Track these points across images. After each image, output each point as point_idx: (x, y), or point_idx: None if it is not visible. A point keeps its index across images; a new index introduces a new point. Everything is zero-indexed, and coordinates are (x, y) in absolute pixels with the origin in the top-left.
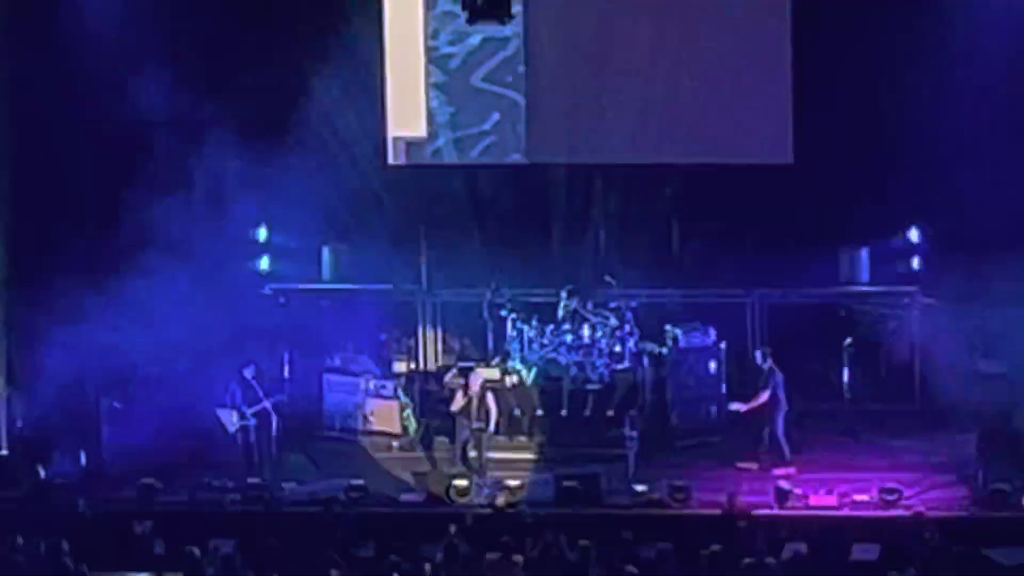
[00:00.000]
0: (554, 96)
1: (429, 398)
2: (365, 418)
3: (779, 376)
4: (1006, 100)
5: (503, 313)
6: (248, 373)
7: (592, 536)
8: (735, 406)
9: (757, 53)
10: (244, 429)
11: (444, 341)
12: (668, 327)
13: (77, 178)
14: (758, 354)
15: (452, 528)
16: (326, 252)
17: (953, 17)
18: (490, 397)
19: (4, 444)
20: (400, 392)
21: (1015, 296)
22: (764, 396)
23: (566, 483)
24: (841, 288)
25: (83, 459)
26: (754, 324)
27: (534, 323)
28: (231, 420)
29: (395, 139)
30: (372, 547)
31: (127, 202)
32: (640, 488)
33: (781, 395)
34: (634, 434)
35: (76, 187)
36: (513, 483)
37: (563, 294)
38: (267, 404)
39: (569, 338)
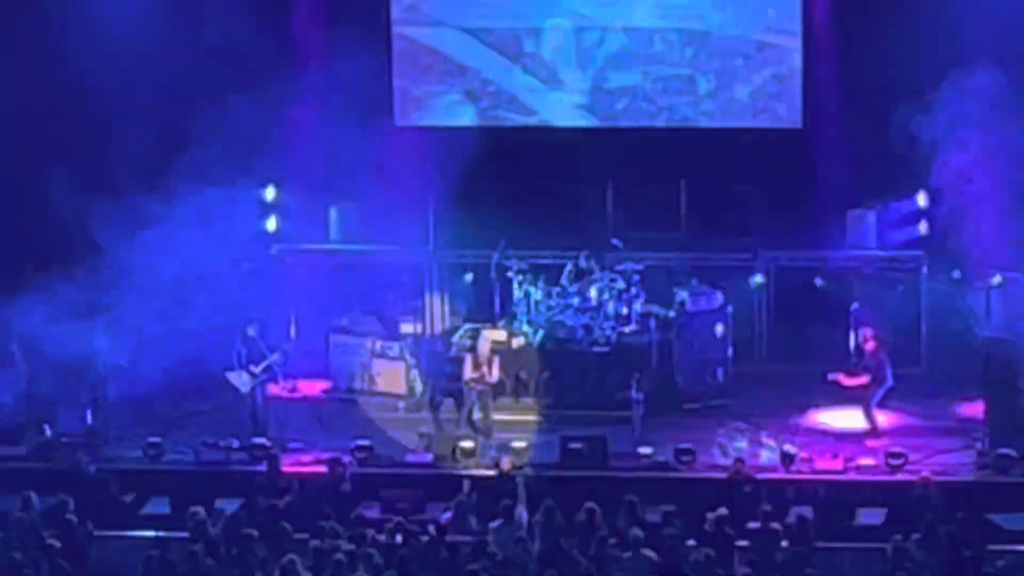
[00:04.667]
0: None
1: (435, 359)
2: (371, 379)
3: (884, 353)
4: (1014, 64)
5: (510, 275)
6: (252, 331)
7: (597, 499)
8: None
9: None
10: (252, 388)
11: (450, 303)
12: (675, 290)
13: (83, 132)
14: (860, 335)
15: (466, 486)
16: (333, 212)
17: None
18: (496, 361)
19: (11, 402)
20: (406, 353)
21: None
22: (865, 378)
23: (571, 445)
24: (848, 252)
25: (88, 418)
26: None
27: (541, 285)
28: (242, 381)
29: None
30: (377, 508)
31: (133, 159)
32: (645, 451)
33: (887, 371)
34: (640, 397)
35: (81, 140)
36: (518, 445)
37: (581, 259)
38: (272, 360)
39: (576, 300)
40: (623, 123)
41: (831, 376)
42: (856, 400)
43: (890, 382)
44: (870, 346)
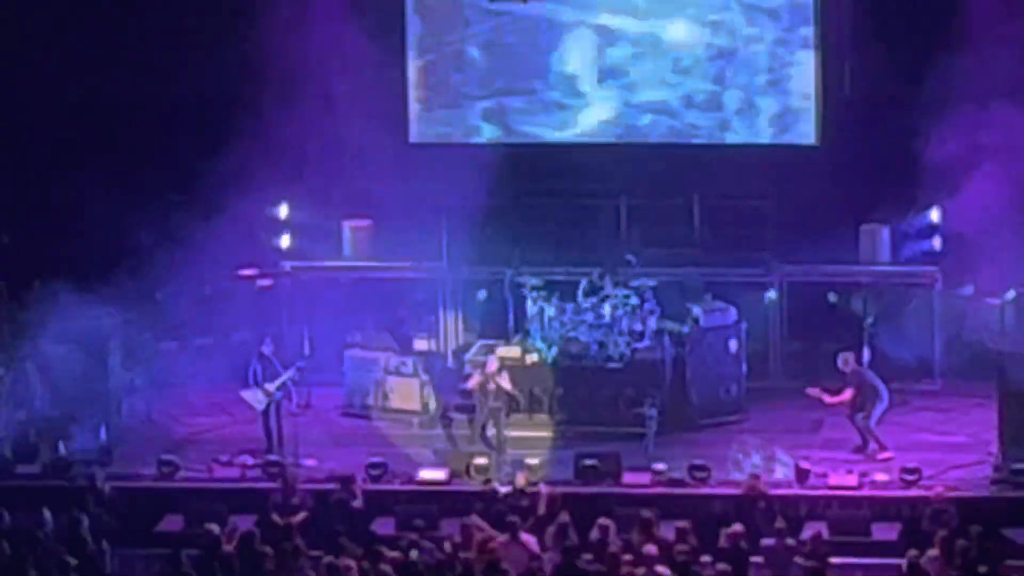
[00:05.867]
0: None
1: (449, 376)
2: (385, 395)
3: (868, 374)
4: None
5: (523, 291)
6: (266, 349)
7: (611, 515)
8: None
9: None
10: (267, 406)
11: (464, 319)
12: (689, 306)
13: (104, 145)
14: (840, 359)
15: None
16: (347, 228)
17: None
18: (504, 377)
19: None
20: (420, 369)
21: None
22: (847, 394)
23: (586, 462)
24: (862, 267)
25: (103, 435)
26: (775, 303)
27: (555, 301)
28: (257, 399)
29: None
30: (391, 524)
31: (149, 175)
32: (660, 467)
33: (878, 388)
34: (654, 413)
35: (97, 152)
36: (532, 461)
37: (595, 275)
38: (287, 377)
39: (590, 316)
40: (645, 139)
41: (811, 391)
42: (851, 417)
43: (885, 401)
44: (848, 367)
